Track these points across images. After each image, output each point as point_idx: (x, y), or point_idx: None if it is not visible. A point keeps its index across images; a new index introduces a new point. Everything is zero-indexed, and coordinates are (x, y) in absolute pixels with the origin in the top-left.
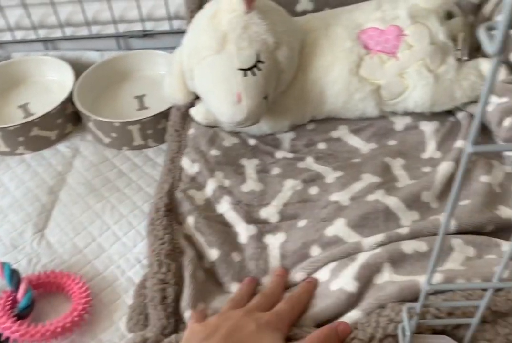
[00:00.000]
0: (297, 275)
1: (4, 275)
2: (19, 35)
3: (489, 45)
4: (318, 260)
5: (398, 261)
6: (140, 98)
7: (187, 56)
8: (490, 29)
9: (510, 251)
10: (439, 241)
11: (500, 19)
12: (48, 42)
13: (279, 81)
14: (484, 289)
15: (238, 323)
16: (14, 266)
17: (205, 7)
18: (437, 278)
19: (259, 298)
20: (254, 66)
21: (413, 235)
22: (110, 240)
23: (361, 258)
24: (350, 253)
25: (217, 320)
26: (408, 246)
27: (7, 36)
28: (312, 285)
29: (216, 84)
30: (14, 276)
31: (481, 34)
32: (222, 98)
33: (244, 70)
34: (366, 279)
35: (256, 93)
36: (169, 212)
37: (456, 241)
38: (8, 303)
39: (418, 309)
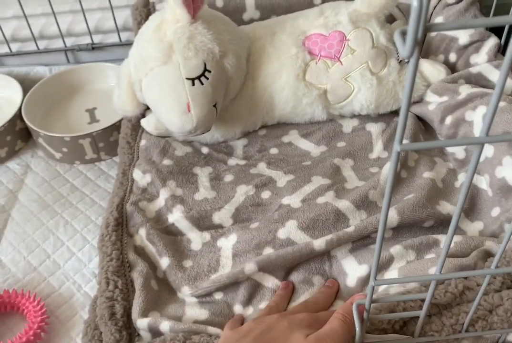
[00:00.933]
0: (247, 265)
1: None
2: None
3: (402, 49)
4: (269, 256)
5: (346, 296)
6: (91, 111)
7: (134, 68)
8: (404, 33)
9: (447, 246)
10: (380, 233)
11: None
12: None
13: (228, 89)
14: (426, 286)
15: (271, 324)
16: None
17: (149, 18)
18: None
19: (299, 306)
20: (202, 75)
21: (359, 232)
22: (65, 256)
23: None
24: (302, 253)
25: (251, 324)
26: (352, 278)
27: None
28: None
29: (164, 94)
30: None
31: (396, 39)
32: (171, 108)
33: (192, 79)
34: None
35: (205, 101)
36: (119, 226)
37: (395, 249)
38: None
39: (367, 305)
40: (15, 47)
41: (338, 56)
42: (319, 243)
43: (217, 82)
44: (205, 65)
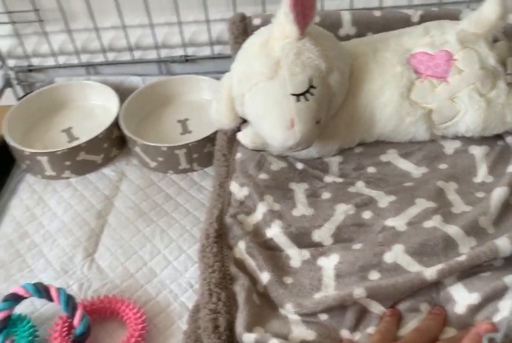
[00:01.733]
0: (356, 290)
1: (60, 301)
2: (61, 60)
3: None
4: (379, 284)
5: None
6: (183, 122)
7: (237, 82)
8: None
9: None
10: None
11: None
12: (90, 67)
13: (331, 105)
14: None
15: None
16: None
17: (254, 34)
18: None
19: (414, 333)
20: (307, 91)
21: (471, 262)
22: (161, 264)
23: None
24: (414, 284)
25: None
26: (462, 304)
27: (50, 61)
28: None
29: (268, 109)
30: (70, 302)
31: None
32: (275, 123)
33: (297, 95)
34: None
35: (309, 118)
36: (219, 238)
37: (509, 278)
38: (65, 328)
39: (500, 340)
40: (111, 56)
41: (445, 76)
42: (430, 273)
43: (321, 99)
44: (311, 81)
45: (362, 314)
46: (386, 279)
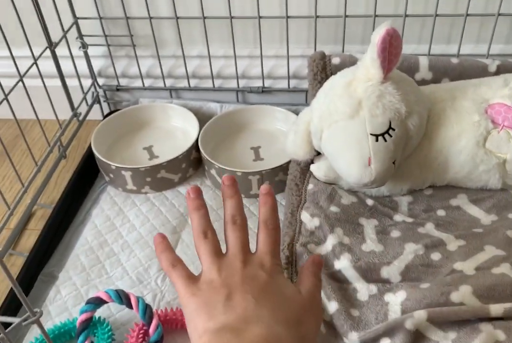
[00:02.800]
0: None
1: (138, 309)
2: (147, 82)
3: None
4: (441, 309)
5: None
6: (255, 149)
7: (318, 118)
8: None
9: None
10: None
11: None
12: (173, 91)
13: (406, 147)
14: None
15: (246, 276)
16: None
17: (337, 74)
18: None
19: (236, 236)
20: (386, 132)
21: None
22: None
23: (486, 337)
24: (476, 314)
25: (219, 276)
26: None
27: (137, 83)
28: (271, 197)
29: (347, 147)
30: (148, 311)
31: None
32: (352, 161)
33: (376, 135)
34: None
35: (386, 157)
36: (289, 265)
37: None
38: (141, 335)
39: None
40: (193, 82)
41: None
42: (495, 309)
43: (399, 140)
44: (390, 123)
45: (420, 341)
46: (450, 307)
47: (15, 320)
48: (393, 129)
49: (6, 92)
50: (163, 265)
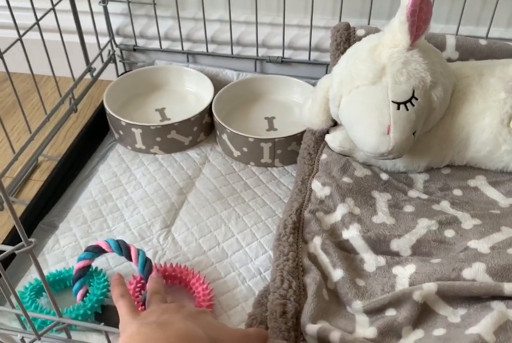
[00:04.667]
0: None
1: (138, 262)
2: (165, 44)
3: None
4: (453, 283)
5: None
6: (270, 119)
7: (338, 84)
8: None
9: None
10: None
11: None
12: (190, 55)
13: (428, 120)
14: None
15: (185, 310)
16: None
17: (362, 40)
18: None
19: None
20: (408, 101)
21: None
22: (233, 247)
23: (498, 315)
24: (489, 292)
25: (159, 308)
26: None
27: (155, 44)
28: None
29: (366, 113)
30: (147, 265)
31: None
32: (370, 128)
33: (398, 103)
34: (504, 337)
35: (406, 127)
36: (296, 230)
37: None
38: (138, 289)
39: None
40: (211, 48)
41: None
42: (510, 288)
43: (421, 111)
44: (413, 92)
45: (427, 315)
46: (462, 282)
47: (8, 248)
48: (416, 99)
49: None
50: (114, 295)
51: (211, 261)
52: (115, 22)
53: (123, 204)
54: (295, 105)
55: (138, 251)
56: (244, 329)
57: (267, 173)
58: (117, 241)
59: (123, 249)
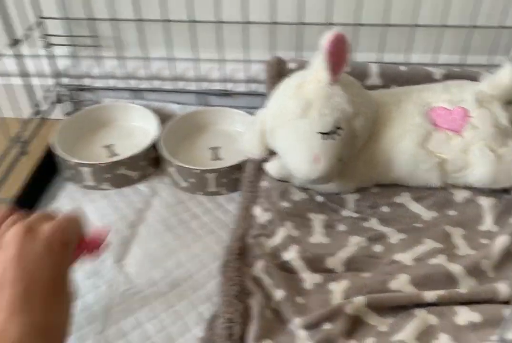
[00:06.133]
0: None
1: None
2: (111, 83)
3: None
4: (379, 296)
5: (453, 332)
6: (215, 149)
7: (271, 118)
8: None
9: None
10: None
11: None
12: (136, 92)
13: (353, 146)
14: None
15: (22, 243)
16: (94, 291)
17: (291, 77)
18: None
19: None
20: (333, 131)
21: (470, 296)
22: (183, 276)
23: (420, 322)
24: (412, 301)
25: None
26: (463, 318)
27: (100, 83)
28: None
29: (297, 144)
30: None
31: None
32: (301, 157)
33: (324, 134)
34: (425, 341)
35: (333, 155)
36: (241, 255)
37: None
38: None
39: None
40: (156, 84)
41: (460, 130)
42: (430, 296)
43: (345, 139)
44: (337, 122)
45: (359, 325)
46: (388, 293)
47: None
48: (341, 129)
49: None
50: None
51: (164, 291)
52: (61, 64)
53: None
54: (238, 134)
55: None
56: None
57: (214, 202)
58: None
59: None
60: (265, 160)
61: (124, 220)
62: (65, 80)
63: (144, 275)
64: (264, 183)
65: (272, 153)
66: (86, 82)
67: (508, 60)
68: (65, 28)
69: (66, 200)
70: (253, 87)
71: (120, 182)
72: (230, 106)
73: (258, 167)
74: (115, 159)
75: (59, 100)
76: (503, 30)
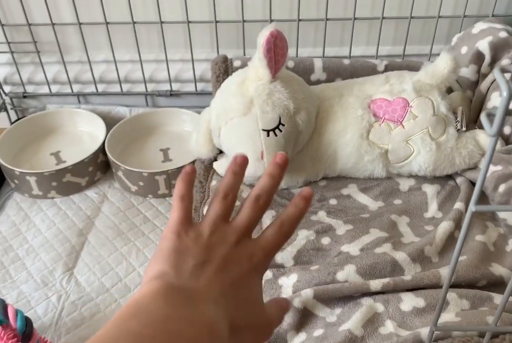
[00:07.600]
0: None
1: (16, 322)
2: (55, 88)
3: (489, 128)
4: (326, 287)
5: (399, 318)
6: (164, 151)
7: (215, 116)
8: (490, 115)
9: (504, 301)
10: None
11: (497, 106)
12: (81, 96)
13: (297, 142)
14: (481, 336)
15: (231, 255)
16: (44, 302)
17: (233, 75)
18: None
19: (248, 214)
20: (276, 127)
21: (414, 283)
22: (135, 281)
23: (366, 310)
24: (358, 290)
25: (209, 237)
26: (408, 304)
27: (44, 89)
28: (307, 205)
29: (241, 142)
30: (28, 326)
31: (483, 119)
32: (246, 155)
33: (267, 131)
34: (371, 329)
35: (277, 151)
36: None
37: (451, 295)
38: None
39: None
40: (101, 87)
41: (400, 120)
42: (375, 285)
43: (289, 135)
44: (280, 119)
45: (308, 318)
46: (334, 284)
47: None
48: (283, 125)
49: None
50: (174, 192)
51: (115, 298)
52: (2, 72)
53: (24, 253)
54: (187, 134)
55: (17, 311)
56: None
57: (165, 204)
58: None
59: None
60: (214, 159)
61: (73, 229)
62: (7, 88)
63: (95, 282)
64: (213, 183)
65: (221, 152)
66: (29, 89)
67: (445, 49)
68: (3, 35)
69: (13, 210)
70: (201, 86)
71: (68, 189)
72: (180, 107)
73: (207, 167)
74: (60, 167)
75: (3, 108)
76: (440, 19)
